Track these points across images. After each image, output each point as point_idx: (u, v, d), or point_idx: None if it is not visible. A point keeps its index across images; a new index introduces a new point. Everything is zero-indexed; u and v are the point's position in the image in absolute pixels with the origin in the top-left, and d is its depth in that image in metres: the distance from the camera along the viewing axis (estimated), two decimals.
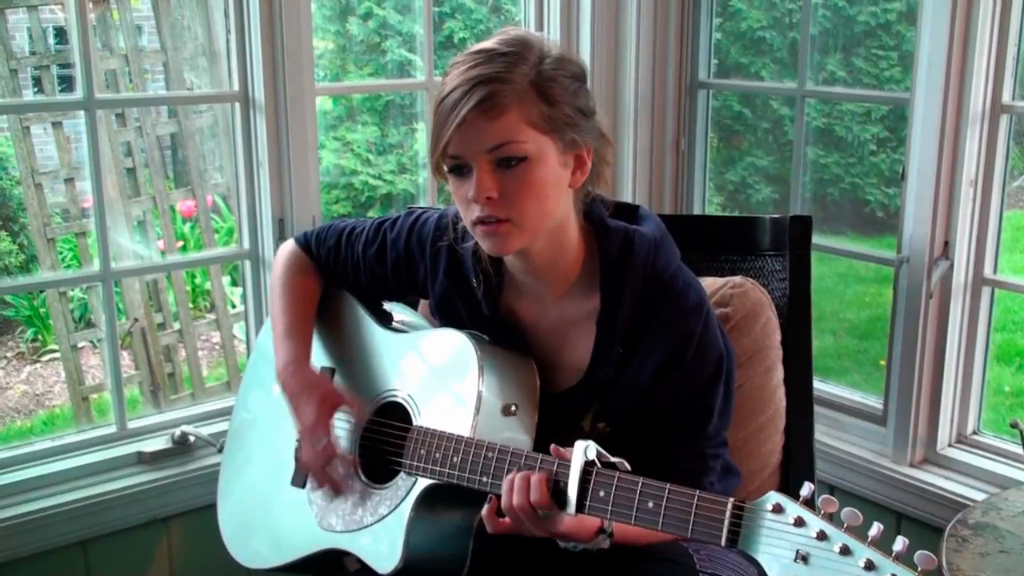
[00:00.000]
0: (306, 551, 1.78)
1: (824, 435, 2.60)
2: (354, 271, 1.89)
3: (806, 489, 1.27)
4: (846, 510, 1.23)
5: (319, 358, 1.91)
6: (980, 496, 2.31)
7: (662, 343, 1.62)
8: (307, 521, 1.78)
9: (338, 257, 1.90)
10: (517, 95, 1.51)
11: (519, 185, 1.52)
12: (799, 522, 1.25)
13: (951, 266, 2.38)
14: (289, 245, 1.98)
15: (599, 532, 1.53)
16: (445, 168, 1.57)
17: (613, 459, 1.44)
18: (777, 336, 2.04)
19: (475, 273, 1.71)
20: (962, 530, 1.92)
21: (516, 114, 1.51)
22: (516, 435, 1.61)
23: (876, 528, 1.22)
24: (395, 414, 1.74)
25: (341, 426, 1.80)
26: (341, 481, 1.74)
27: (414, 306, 2.01)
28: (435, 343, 1.75)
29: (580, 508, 1.43)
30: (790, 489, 2.05)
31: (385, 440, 1.72)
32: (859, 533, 1.23)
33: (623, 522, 1.41)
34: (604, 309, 1.63)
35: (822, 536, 1.23)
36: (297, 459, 1.83)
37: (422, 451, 1.63)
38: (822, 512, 1.25)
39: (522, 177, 1.52)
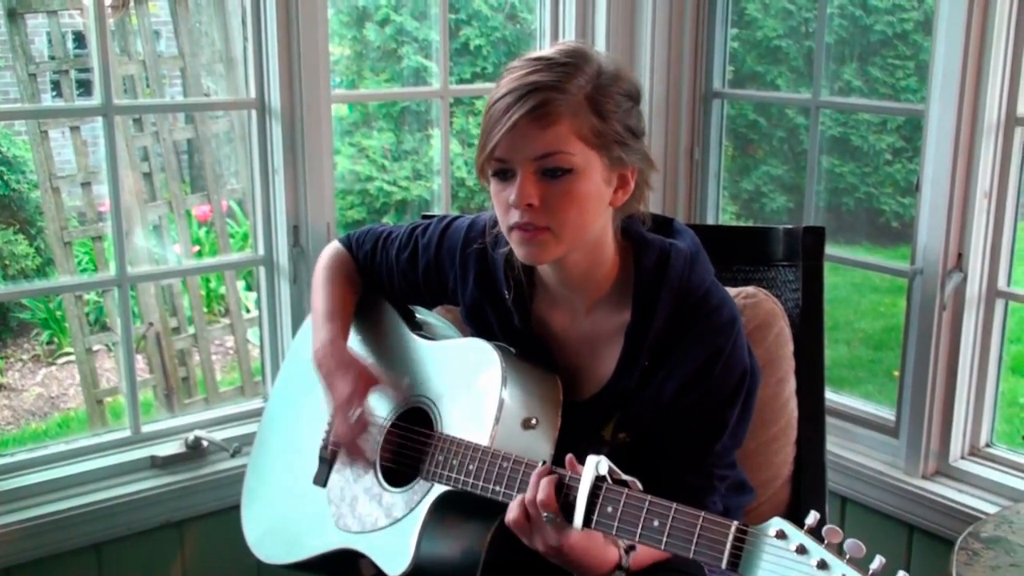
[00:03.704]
0: (322, 550, 1.80)
1: (836, 446, 2.60)
2: (388, 276, 1.91)
3: (811, 517, 1.27)
4: (849, 541, 1.23)
5: None
6: (992, 509, 2.30)
7: (689, 359, 1.62)
8: (325, 520, 1.80)
9: (374, 261, 1.92)
10: (570, 106, 1.51)
11: (561, 196, 1.52)
12: (800, 550, 1.25)
13: (964, 278, 2.38)
14: (333, 245, 2.00)
15: (616, 568, 1.53)
16: (489, 171, 1.57)
17: (625, 477, 1.43)
18: (790, 347, 2.05)
19: (506, 282, 1.71)
20: (973, 543, 1.92)
21: (568, 125, 1.51)
22: (535, 449, 1.62)
23: (878, 561, 1.21)
24: (419, 419, 1.76)
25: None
26: (372, 453, 1.75)
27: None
28: (462, 352, 1.77)
29: (587, 522, 1.43)
30: (801, 500, 2.05)
31: (407, 444, 1.74)
32: (860, 565, 1.22)
33: (627, 539, 1.42)
34: (635, 321, 1.63)
35: (822, 565, 1.23)
36: (321, 458, 1.85)
37: (440, 457, 1.64)
38: (826, 541, 1.24)
39: (565, 188, 1.52)
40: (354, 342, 1.94)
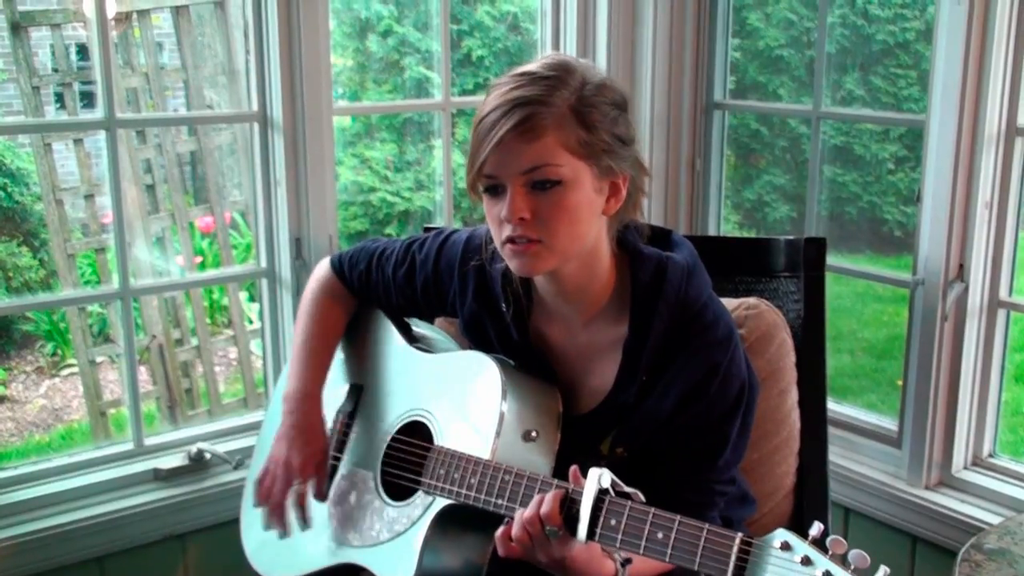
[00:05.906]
0: (323, 564, 1.80)
1: (839, 457, 2.60)
2: (385, 292, 1.90)
3: (815, 528, 1.27)
4: (854, 552, 1.23)
5: (349, 374, 1.94)
6: (995, 520, 2.30)
7: (687, 374, 1.61)
8: (325, 534, 1.80)
9: (369, 279, 1.91)
10: (556, 119, 1.51)
11: (552, 208, 1.52)
12: (806, 561, 1.25)
13: (966, 288, 2.38)
14: (324, 266, 1.98)
15: None
16: (480, 188, 1.57)
17: (627, 489, 1.44)
18: (791, 358, 2.04)
19: (504, 296, 1.71)
20: (976, 555, 1.91)
21: (553, 138, 1.51)
22: (535, 461, 1.62)
23: (883, 572, 1.21)
24: (419, 433, 1.76)
25: (360, 440, 1.82)
26: (290, 523, 1.80)
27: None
28: (462, 365, 1.77)
29: (591, 535, 1.43)
30: (804, 511, 2.05)
31: (407, 458, 1.73)
32: None
33: (632, 552, 1.41)
34: (632, 335, 1.63)
35: None
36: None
37: (441, 471, 1.64)
38: (830, 552, 1.24)
39: (556, 200, 1.52)
40: (351, 360, 1.94)
